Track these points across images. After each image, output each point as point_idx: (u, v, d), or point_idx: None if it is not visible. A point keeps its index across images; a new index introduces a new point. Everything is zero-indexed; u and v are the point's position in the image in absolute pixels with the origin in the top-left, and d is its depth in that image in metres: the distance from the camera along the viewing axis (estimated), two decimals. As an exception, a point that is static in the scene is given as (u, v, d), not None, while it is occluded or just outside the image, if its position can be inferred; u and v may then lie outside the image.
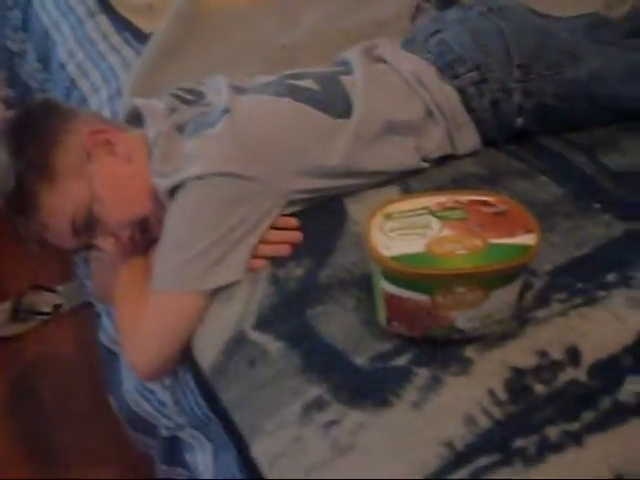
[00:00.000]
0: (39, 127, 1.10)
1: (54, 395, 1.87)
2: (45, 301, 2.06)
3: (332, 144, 1.08)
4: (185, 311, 1.02)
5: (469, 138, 1.18)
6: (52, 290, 2.08)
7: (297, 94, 1.12)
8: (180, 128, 1.09)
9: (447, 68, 1.19)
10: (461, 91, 1.17)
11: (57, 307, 2.05)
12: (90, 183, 1.07)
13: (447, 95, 1.17)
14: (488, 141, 1.20)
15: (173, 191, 1.03)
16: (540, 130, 1.22)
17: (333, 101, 1.12)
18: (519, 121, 1.19)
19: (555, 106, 1.20)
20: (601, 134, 1.23)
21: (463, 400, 0.85)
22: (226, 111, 1.07)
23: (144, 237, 1.10)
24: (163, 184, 1.04)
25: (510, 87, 1.17)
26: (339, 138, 1.09)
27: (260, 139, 1.05)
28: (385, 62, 1.21)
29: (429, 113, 1.16)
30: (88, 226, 1.08)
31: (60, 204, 1.07)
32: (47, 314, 2.05)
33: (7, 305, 2.05)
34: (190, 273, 1.01)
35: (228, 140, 1.04)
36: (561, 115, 1.21)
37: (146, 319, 1.03)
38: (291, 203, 1.08)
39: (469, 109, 1.17)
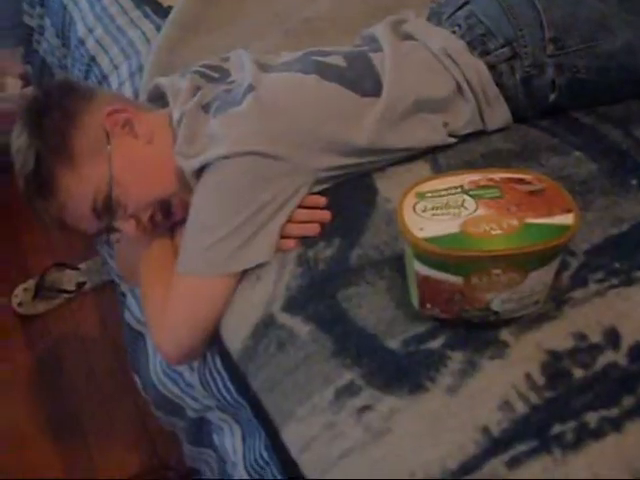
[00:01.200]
0: (57, 108, 1.08)
1: (78, 373, 1.88)
2: (68, 279, 2.06)
3: (360, 123, 1.06)
4: (213, 294, 1.01)
5: (500, 114, 1.15)
6: (75, 268, 2.09)
7: (324, 71, 1.09)
8: (205, 107, 1.07)
9: (477, 43, 1.15)
10: (492, 67, 1.14)
11: (80, 285, 2.06)
12: (110, 164, 1.05)
13: (478, 70, 1.13)
14: (519, 117, 1.17)
15: (199, 172, 1.01)
16: (573, 105, 1.18)
17: (361, 79, 1.09)
18: (552, 97, 1.16)
19: (588, 80, 1.16)
20: (636, 107, 1.19)
21: (499, 385, 0.83)
22: (251, 89, 1.04)
23: (167, 219, 1.08)
24: (189, 165, 1.02)
25: (543, 62, 1.14)
26: (367, 117, 1.06)
27: (286, 117, 1.03)
28: (413, 38, 1.18)
29: (459, 89, 1.13)
30: (108, 208, 1.06)
31: (80, 186, 1.05)
32: (70, 292, 2.05)
33: (30, 283, 2.06)
34: (218, 255, 0.99)
35: (254, 118, 1.02)
36: (595, 89, 1.17)
37: (173, 303, 1.02)
38: (319, 181, 1.05)
39: (500, 85, 1.14)
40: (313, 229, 1.03)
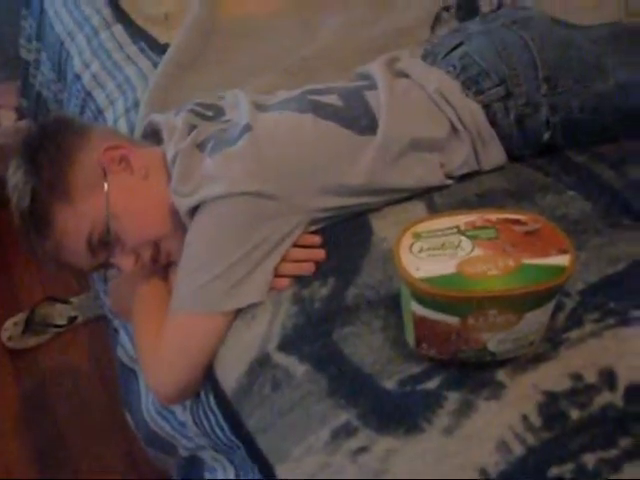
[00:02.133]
0: (53, 145, 1.08)
1: (68, 409, 1.86)
2: (59, 313, 2.05)
3: (356, 162, 1.06)
4: (207, 333, 1.00)
5: (495, 154, 1.16)
6: (67, 302, 2.07)
7: (320, 110, 1.09)
8: (200, 145, 1.07)
9: (472, 83, 1.16)
10: (486, 107, 1.15)
11: (72, 319, 2.04)
12: (107, 200, 1.05)
13: (472, 111, 1.14)
14: (513, 156, 1.18)
15: (193, 210, 1.01)
16: (567, 144, 1.19)
17: (357, 117, 1.10)
18: (546, 136, 1.17)
19: (582, 120, 1.17)
20: (629, 147, 1.20)
21: (496, 426, 0.82)
22: (247, 128, 1.05)
23: (164, 257, 1.08)
24: (184, 204, 1.02)
25: (537, 102, 1.15)
26: (363, 155, 1.06)
27: (282, 157, 1.03)
28: (408, 76, 1.19)
29: (454, 130, 1.14)
30: (105, 244, 1.06)
31: (76, 222, 1.05)
32: (61, 326, 2.03)
33: (21, 317, 2.04)
34: (213, 293, 0.99)
35: (250, 159, 1.02)
36: (588, 129, 1.19)
37: (167, 341, 1.01)
38: (314, 221, 1.05)
39: (495, 125, 1.15)
40: (308, 268, 1.03)
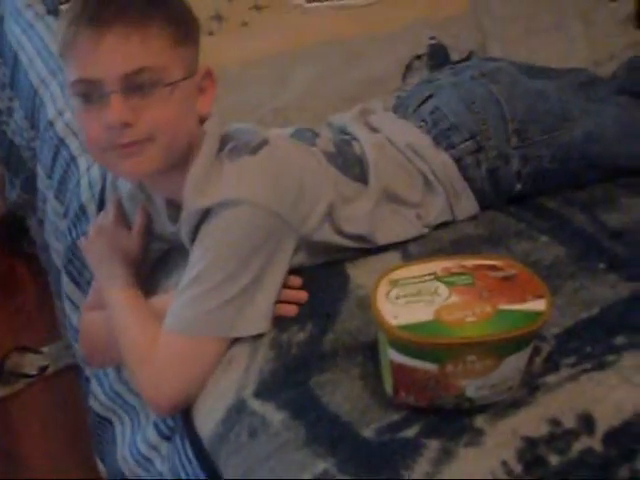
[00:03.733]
0: None
1: (38, 461, 1.82)
2: (30, 363, 2.01)
3: (352, 209, 1.08)
4: (210, 356, 0.99)
5: (468, 205, 1.18)
6: (37, 352, 2.04)
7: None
8: (222, 142, 1.03)
9: (443, 138, 1.18)
10: (458, 161, 1.17)
11: (42, 369, 2.00)
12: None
13: (444, 164, 1.16)
14: (486, 206, 1.20)
15: (204, 214, 0.99)
16: (538, 192, 1.21)
17: (350, 165, 1.12)
18: (517, 186, 1.19)
19: (552, 169, 1.20)
20: (599, 192, 1.23)
21: (476, 473, 0.82)
22: (266, 142, 1.03)
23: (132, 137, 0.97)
24: (197, 203, 0.99)
25: (507, 154, 1.17)
26: (360, 204, 1.09)
27: (298, 181, 1.03)
28: (379, 131, 1.21)
29: (428, 184, 1.15)
30: (139, 86, 0.95)
31: (154, 45, 0.96)
32: (32, 376, 2.00)
33: (-10, 367, 2.00)
34: (220, 320, 0.97)
35: (270, 175, 1.00)
36: (559, 177, 1.21)
37: (166, 361, 0.99)
38: (295, 255, 1.04)
39: (466, 178, 1.17)
40: (291, 310, 1.02)
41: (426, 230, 1.15)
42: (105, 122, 0.95)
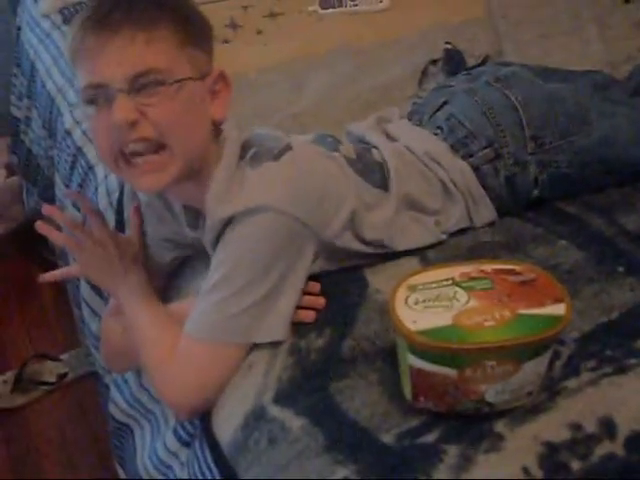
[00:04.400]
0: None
1: (58, 468, 1.82)
2: (49, 370, 2.02)
3: (373, 215, 1.08)
4: (231, 361, 0.99)
5: (486, 212, 1.17)
6: (56, 359, 2.04)
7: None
8: (243, 149, 1.03)
9: (459, 145, 1.19)
10: (476, 169, 1.17)
11: (61, 377, 2.01)
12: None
13: (462, 171, 1.16)
14: (503, 212, 1.19)
15: (226, 223, 0.99)
16: (556, 197, 1.21)
17: (371, 172, 1.11)
18: (535, 192, 1.19)
19: (569, 173, 1.19)
20: (617, 195, 1.22)
21: (497, 479, 0.81)
22: (289, 148, 1.02)
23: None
24: (221, 212, 0.98)
25: (525, 160, 1.17)
26: (380, 211, 1.09)
27: (321, 187, 1.02)
28: (397, 140, 1.21)
29: (447, 191, 1.15)
30: (144, 86, 0.94)
31: (162, 47, 0.95)
32: (51, 384, 2.00)
33: (9, 375, 2.01)
34: (243, 325, 0.97)
35: (294, 181, 1.00)
36: (576, 181, 1.21)
37: (187, 365, 0.99)
38: (314, 261, 1.04)
39: (484, 186, 1.17)
40: (309, 316, 1.02)
41: (444, 237, 1.14)
42: (111, 122, 0.94)
